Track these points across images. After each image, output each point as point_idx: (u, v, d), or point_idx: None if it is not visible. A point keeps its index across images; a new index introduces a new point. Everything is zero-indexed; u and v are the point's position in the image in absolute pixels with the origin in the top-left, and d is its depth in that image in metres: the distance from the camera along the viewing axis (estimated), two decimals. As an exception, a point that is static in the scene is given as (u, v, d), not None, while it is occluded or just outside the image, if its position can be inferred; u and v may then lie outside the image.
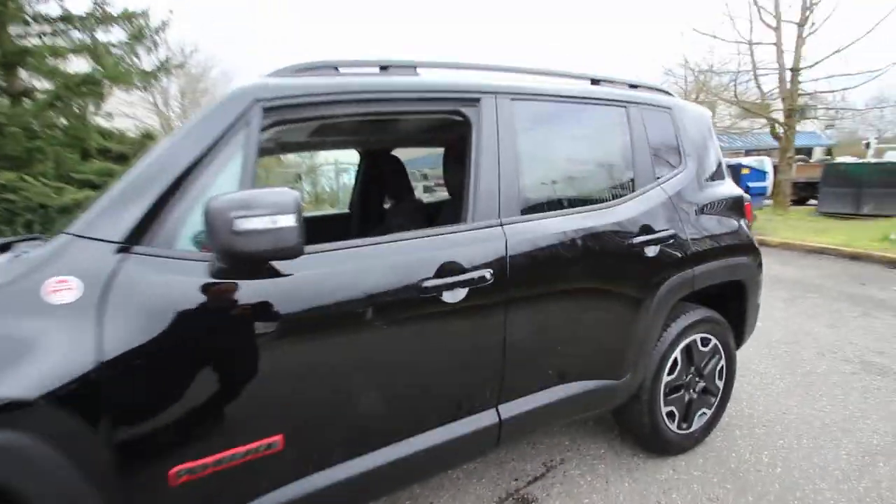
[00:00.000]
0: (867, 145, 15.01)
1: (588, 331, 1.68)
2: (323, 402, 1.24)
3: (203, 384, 1.07)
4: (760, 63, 11.30)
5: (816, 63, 10.50)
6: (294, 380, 1.18)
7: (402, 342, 1.31)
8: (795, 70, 10.67)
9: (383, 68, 1.45)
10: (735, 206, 2.15)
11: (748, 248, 2.14)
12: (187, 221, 1.11)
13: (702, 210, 1.98)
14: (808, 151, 16.24)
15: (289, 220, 0.99)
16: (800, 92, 11.03)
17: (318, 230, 2.88)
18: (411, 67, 1.48)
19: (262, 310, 1.12)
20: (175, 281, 1.05)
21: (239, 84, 1.25)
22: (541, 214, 1.57)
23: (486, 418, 1.49)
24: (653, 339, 1.84)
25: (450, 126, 1.62)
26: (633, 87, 2.00)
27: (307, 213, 3.13)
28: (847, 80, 10.85)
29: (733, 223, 2.11)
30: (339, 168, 15.47)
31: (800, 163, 13.57)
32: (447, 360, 1.41)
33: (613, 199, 1.77)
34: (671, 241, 1.81)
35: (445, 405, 1.44)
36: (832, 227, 8.71)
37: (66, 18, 9.75)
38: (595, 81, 1.89)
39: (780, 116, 11.30)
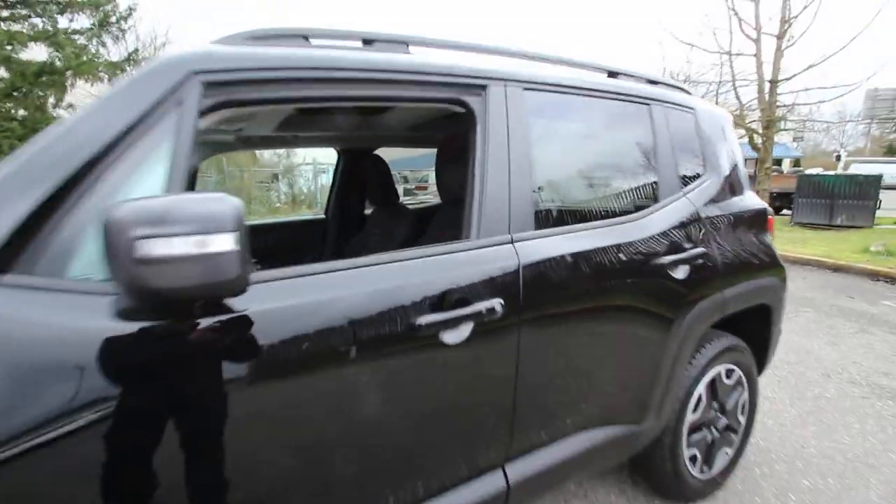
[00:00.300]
0: (838, 157, 15.43)
1: (612, 368, 1.41)
2: (281, 480, 0.92)
3: (105, 471, 0.75)
4: (739, 74, 11.43)
5: (794, 75, 10.66)
6: (242, 457, 0.86)
7: (389, 398, 1.01)
8: (774, 82, 10.81)
9: (367, 42, 1.15)
10: (760, 220, 1.93)
11: (775, 267, 1.92)
12: (86, 239, 0.78)
13: (729, 224, 1.75)
14: (777, 162, 16.62)
15: (225, 242, 0.67)
16: (778, 104, 11.18)
17: (290, 239, 2.56)
18: (402, 44, 1.19)
19: (194, 365, 0.80)
20: (65, 325, 0.72)
21: (172, 51, 0.93)
22: (558, 229, 1.29)
23: (490, 482, 1.19)
24: (680, 374, 1.58)
25: (448, 119, 1.33)
26: (652, 82, 1.75)
27: (277, 219, 2.80)
28: (823, 94, 11.08)
29: (760, 239, 1.89)
30: (317, 168, 14.95)
31: (774, 173, 13.83)
32: (445, 416, 1.11)
33: (637, 210, 1.51)
34: (701, 260, 1.56)
35: (441, 472, 1.14)
36: (810, 238, 8.80)
37: (26, 2, 9.07)
38: (613, 74, 1.63)
39: (757, 127, 11.44)
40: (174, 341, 0.79)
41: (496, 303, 1.09)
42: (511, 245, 1.18)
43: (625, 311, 1.39)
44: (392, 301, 0.98)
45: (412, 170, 14.15)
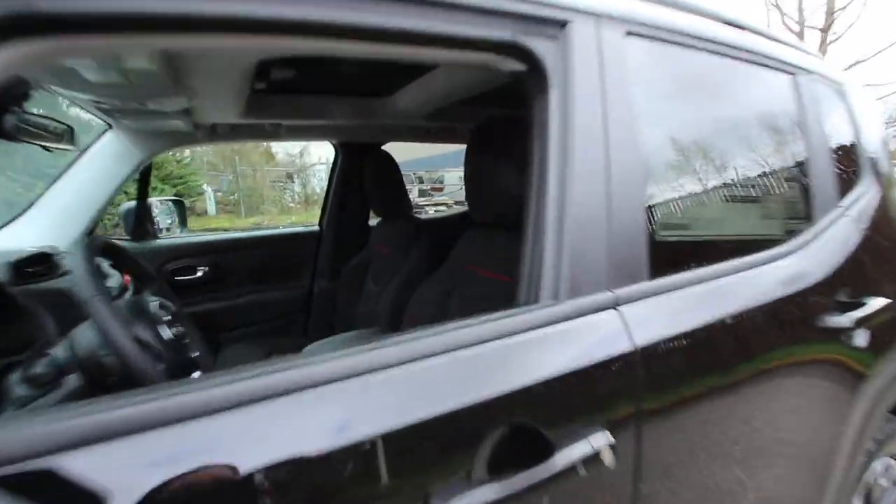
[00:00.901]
0: (880, 160, 14.46)
1: (769, 493, 0.86)
2: None
3: None
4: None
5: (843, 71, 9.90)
6: None
7: None
8: (818, 78, 10.05)
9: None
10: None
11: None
12: None
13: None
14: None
15: None
16: (821, 101, 10.40)
17: (275, 257, 2.04)
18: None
19: None
20: None
21: None
22: (689, 276, 0.74)
23: None
24: (851, 481, 1.02)
25: (494, 84, 0.79)
26: (777, 42, 1.18)
27: (259, 232, 2.30)
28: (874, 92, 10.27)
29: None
30: (330, 167, 14.49)
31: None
32: None
33: (787, 235, 0.96)
34: (884, 316, 1.00)
35: None
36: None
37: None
38: (734, 25, 1.06)
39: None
40: None
41: (600, 440, 0.54)
42: (615, 311, 0.63)
43: (790, 413, 0.83)
44: (392, 460, 0.44)
45: (427, 170, 13.56)
